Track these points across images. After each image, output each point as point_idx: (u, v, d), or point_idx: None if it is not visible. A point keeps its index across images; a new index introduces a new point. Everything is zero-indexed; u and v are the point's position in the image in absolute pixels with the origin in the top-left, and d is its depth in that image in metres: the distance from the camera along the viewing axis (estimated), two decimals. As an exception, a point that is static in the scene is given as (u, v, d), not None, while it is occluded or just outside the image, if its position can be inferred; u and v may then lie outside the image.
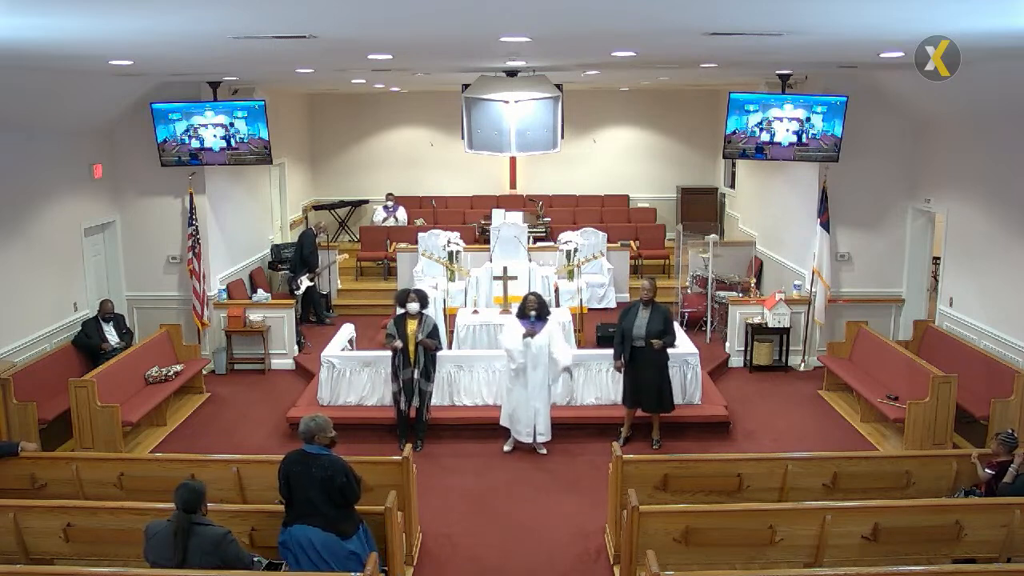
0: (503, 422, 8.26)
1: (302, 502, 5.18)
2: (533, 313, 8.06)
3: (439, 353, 8.56)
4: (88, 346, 9.25)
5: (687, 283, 12.58)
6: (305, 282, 11.94)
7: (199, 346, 10.55)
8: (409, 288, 8.63)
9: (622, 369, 8.18)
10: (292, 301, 11.19)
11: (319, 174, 17.21)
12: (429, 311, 8.51)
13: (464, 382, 8.95)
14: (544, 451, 8.23)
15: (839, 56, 7.19)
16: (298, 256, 12.18)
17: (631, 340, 8.05)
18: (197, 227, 10.45)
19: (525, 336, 7.95)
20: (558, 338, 8.17)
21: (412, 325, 8.19)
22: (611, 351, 8.64)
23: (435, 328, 8.35)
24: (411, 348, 8.18)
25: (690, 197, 16.65)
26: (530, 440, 8.17)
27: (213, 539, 4.76)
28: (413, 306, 8.23)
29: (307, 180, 16.71)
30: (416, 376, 8.21)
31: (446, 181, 17.02)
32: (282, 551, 5.26)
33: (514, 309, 8.60)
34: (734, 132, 9.98)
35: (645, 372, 8.06)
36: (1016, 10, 4.11)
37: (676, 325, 9.99)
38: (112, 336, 9.48)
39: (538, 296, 8.25)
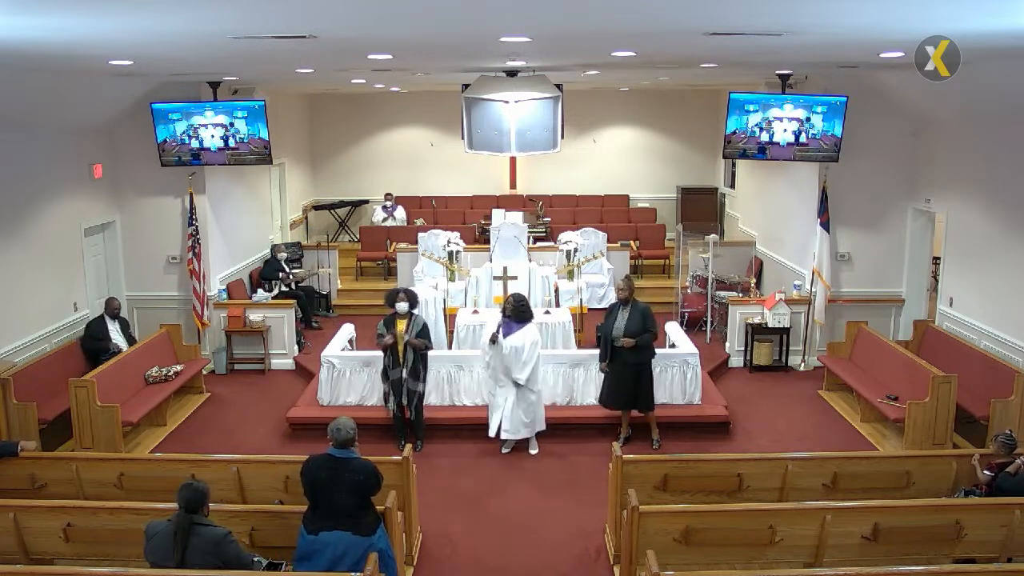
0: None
1: (328, 505, 5.16)
2: (509, 316, 8.06)
3: (431, 352, 8.54)
4: (95, 349, 9.21)
5: (687, 283, 12.58)
6: (280, 287, 12.01)
7: (199, 346, 10.55)
8: (399, 288, 8.61)
9: (606, 371, 8.18)
10: (292, 301, 11.20)
11: (319, 174, 17.22)
12: (419, 311, 8.50)
13: (464, 382, 8.95)
14: (535, 450, 8.23)
15: (839, 56, 7.20)
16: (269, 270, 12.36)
17: (611, 341, 8.05)
18: (197, 227, 10.45)
19: (492, 338, 7.95)
20: (527, 349, 7.97)
21: (401, 325, 8.18)
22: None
23: (425, 327, 8.32)
24: (400, 348, 8.16)
25: (690, 197, 16.65)
26: (492, 433, 8.15)
27: (213, 539, 4.75)
28: (402, 306, 8.22)
29: (307, 180, 16.71)
30: (404, 376, 8.20)
31: (446, 181, 17.03)
32: (302, 558, 5.19)
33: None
34: (734, 132, 9.98)
35: (623, 371, 8.04)
36: (1016, 10, 4.11)
37: (675, 325, 10.04)
38: (118, 336, 9.49)
39: (517, 299, 8.21)
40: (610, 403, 8.28)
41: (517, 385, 8.00)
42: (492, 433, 8.17)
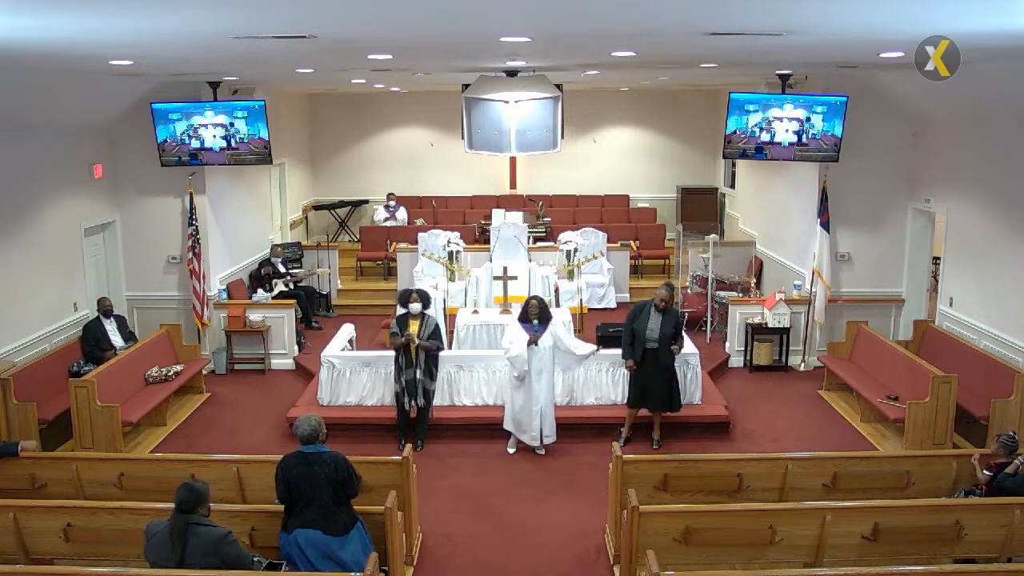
0: (506, 426, 8.27)
1: (305, 503, 5.19)
2: (536, 319, 8.06)
3: (441, 352, 8.56)
4: (95, 355, 9.17)
5: (687, 283, 12.58)
6: (280, 286, 11.99)
7: (199, 346, 10.55)
8: (411, 288, 8.64)
9: (634, 369, 8.19)
10: (292, 301, 11.20)
11: (319, 174, 17.21)
12: (431, 311, 8.52)
13: (464, 382, 8.95)
14: (542, 452, 8.23)
15: (839, 56, 7.19)
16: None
17: (643, 342, 8.06)
18: (197, 227, 10.45)
19: (530, 343, 7.95)
20: (568, 336, 8.16)
21: (414, 325, 8.20)
22: (611, 352, 8.65)
23: (437, 328, 8.36)
24: (412, 348, 8.19)
25: (690, 197, 16.65)
26: (536, 443, 8.17)
27: (213, 539, 4.75)
28: (415, 306, 8.24)
29: (307, 180, 16.71)
30: (419, 376, 8.21)
31: (446, 181, 17.03)
32: (283, 555, 5.25)
33: (514, 310, 8.59)
34: (734, 132, 9.98)
35: (657, 373, 8.09)
36: (1016, 10, 4.11)
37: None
38: (116, 337, 9.47)
39: (540, 300, 8.24)
40: (643, 405, 8.28)
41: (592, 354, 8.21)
42: (534, 443, 8.15)
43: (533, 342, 7.94)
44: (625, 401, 8.52)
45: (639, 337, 8.08)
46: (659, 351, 8.04)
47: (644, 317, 8.11)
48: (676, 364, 8.79)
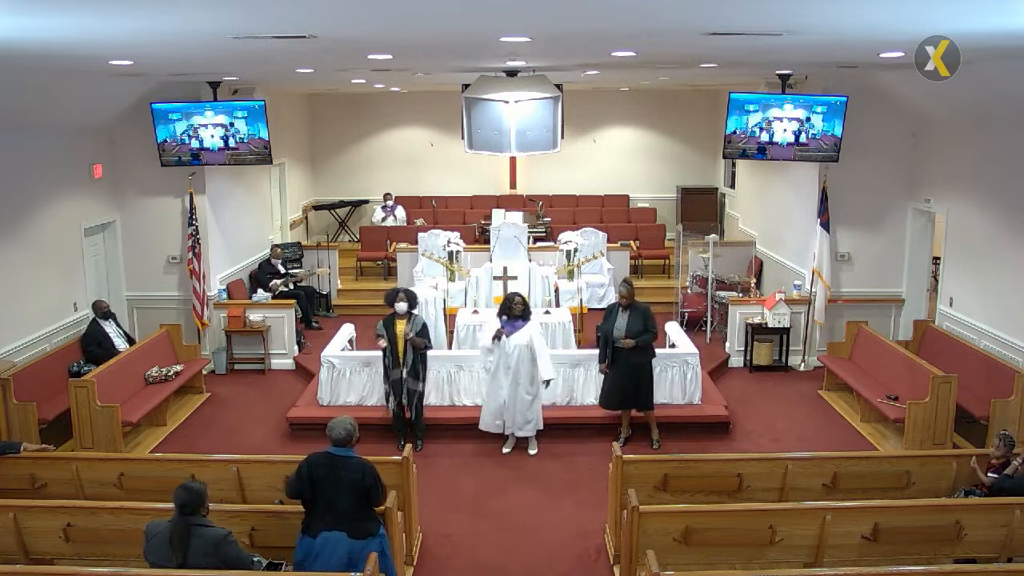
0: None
1: (326, 505, 5.17)
2: (505, 316, 8.08)
3: (431, 353, 8.53)
4: (97, 356, 9.14)
5: (687, 283, 12.58)
6: (280, 287, 11.99)
7: (199, 346, 10.55)
8: (398, 288, 8.62)
9: (606, 372, 8.21)
10: (292, 301, 11.20)
11: (319, 174, 17.22)
12: (419, 311, 8.50)
13: (464, 382, 8.95)
14: (534, 451, 8.24)
15: (839, 56, 7.19)
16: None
17: (613, 342, 8.08)
18: (197, 227, 10.45)
19: (495, 338, 7.97)
20: (540, 347, 8.03)
21: (401, 325, 8.18)
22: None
23: (424, 327, 8.32)
24: (400, 348, 8.16)
25: (690, 197, 16.66)
26: (499, 431, 8.19)
27: (213, 540, 4.74)
28: (401, 306, 8.21)
29: (307, 180, 16.71)
30: (404, 376, 8.20)
31: (446, 181, 17.03)
32: (302, 560, 5.17)
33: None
34: (734, 132, 9.98)
35: (622, 371, 8.07)
36: (1016, 10, 4.11)
37: (675, 325, 10.05)
38: (117, 337, 9.46)
39: (521, 298, 8.24)
40: (611, 403, 8.29)
41: (545, 384, 8.03)
42: (496, 430, 8.20)
43: (498, 337, 7.96)
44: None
45: (610, 338, 8.09)
46: (627, 349, 8.00)
47: (612, 317, 8.14)
48: (675, 364, 8.82)
